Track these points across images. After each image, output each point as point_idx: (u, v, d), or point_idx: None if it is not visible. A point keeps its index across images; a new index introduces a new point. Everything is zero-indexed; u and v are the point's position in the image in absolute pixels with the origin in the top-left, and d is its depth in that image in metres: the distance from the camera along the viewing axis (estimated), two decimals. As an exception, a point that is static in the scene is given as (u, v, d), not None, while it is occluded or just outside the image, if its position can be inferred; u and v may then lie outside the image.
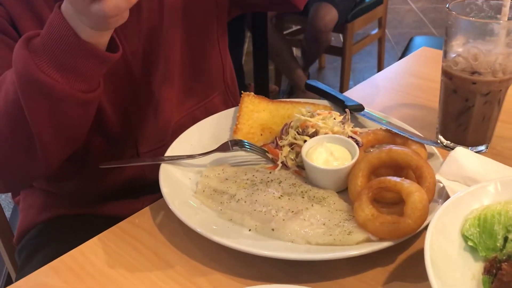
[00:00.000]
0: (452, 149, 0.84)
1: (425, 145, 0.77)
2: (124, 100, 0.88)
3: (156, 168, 0.76)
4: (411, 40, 2.50)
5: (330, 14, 2.75)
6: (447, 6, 0.79)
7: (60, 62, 0.67)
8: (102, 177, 0.90)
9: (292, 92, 3.17)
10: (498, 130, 0.87)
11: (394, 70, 1.20)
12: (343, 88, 2.90)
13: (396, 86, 1.08)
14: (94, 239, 0.70)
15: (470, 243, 0.56)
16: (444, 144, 0.86)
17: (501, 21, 0.75)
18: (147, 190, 0.92)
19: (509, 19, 0.76)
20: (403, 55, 2.30)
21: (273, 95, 3.17)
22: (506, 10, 0.74)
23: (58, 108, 0.70)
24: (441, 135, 0.87)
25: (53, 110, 0.70)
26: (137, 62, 0.87)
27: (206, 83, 0.99)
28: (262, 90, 2.36)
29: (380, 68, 3.29)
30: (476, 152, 0.84)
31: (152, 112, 0.90)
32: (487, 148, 0.86)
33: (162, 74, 0.90)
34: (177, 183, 0.75)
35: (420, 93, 1.04)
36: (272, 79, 3.26)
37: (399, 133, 0.79)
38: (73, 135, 0.77)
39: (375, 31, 3.25)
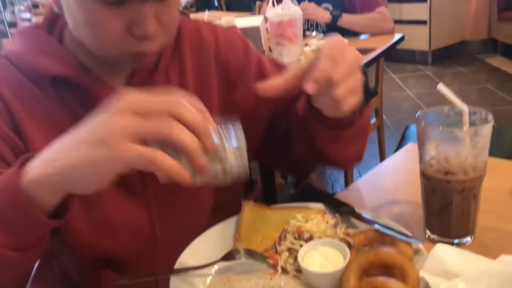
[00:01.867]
0: (439, 242, 0.92)
1: (411, 242, 0.85)
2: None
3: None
4: (406, 128, 2.63)
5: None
6: (416, 115, 0.89)
7: None
8: None
9: (298, 184, 3.26)
10: (481, 220, 0.94)
11: (385, 168, 1.29)
12: (347, 179, 2.97)
13: (387, 185, 1.17)
14: None
15: (451, 337, 0.62)
16: (431, 238, 0.93)
17: (464, 129, 0.85)
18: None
19: (470, 125, 0.86)
20: (399, 144, 2.41)
21: (280, 188, 3.26)
22: (466, 118, 0.85)
23: None
24: (428, 230, 0.94)
25: None
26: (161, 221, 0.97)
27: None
28: (269, 185, 2.44)
29: (381, 155, 3.39)
30: (462, 243, 0.91)
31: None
32: (472, 239, 0.93)
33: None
34: (186, 293, 0.82)
35: (410, 189, 1.13)
36: (278, 172, 3.36)
37: (387, 232, 0.87)
38: None
39: (373, 121, 3.39)
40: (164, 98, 0.63)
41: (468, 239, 0.92)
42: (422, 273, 0.76)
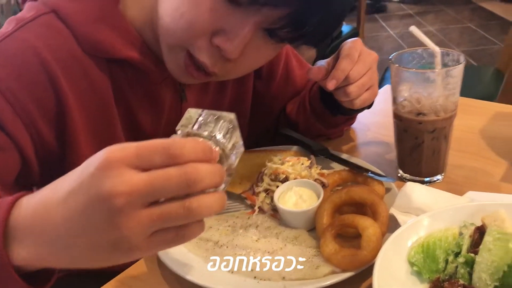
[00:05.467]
0: (410, 181, 0.95)
1: (382, 181, 0.88)
2: None
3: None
4: (386, 70, 2.63)
5: (308, 52, 2.89)
6: (390, 57, 0.90)
7: None
8: None
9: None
10: (452, 159, 0.98)
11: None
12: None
13: (360, 126, 1.19)
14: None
15: (415, 268, 0.66)
16: (403, 177, 0.97)
17: (436, 70, 0.86)
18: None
19: (443, 66, 0.88)
20: (379, 85, 2.42)
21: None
22: (438, 59, 0.86)
23: None
24: (400, 169, 0.98)
25: None
26: None
27: None
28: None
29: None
30: (432, 181, 0.95)
31: None
32: (442, 177, 0.96)
33: None
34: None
35: (383, 131, 1.15)
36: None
37: (359, 172, 0.90)
38: None
39: (354, 62, 3.39)
40: (167, 157, 0.49)
41: (438, 177, 0.96)
42: (392, 210, 0.80)
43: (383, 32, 5.37)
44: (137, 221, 0.48)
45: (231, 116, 0.64)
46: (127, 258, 0.51)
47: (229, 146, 0.64)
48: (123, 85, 0.84)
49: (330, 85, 0.86)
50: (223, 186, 0.56)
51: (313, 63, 3.07)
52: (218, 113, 0.63)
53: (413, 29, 0.85)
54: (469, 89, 2.33)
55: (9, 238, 0.53)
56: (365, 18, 3.41)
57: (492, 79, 2.41)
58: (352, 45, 0.89)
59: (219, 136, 0.63)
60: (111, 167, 0.47)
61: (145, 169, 0.48)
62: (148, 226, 0.48)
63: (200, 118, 0.62)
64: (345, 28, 3.44)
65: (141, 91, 0.86)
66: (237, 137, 0.65)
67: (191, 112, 0.60)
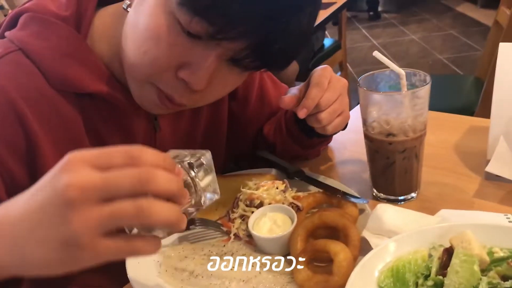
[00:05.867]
0: (385, 200, 0.96)
1: (356, 203, 0.89)
2: None
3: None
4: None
5: (291, 67, 2.90)
6: (358, 80, 0.92)
7: None
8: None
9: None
10: (425, 175, 0.99)
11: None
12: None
13: (337, 145, 1.20)
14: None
15: (385, 293, 0.67)
16: (378, 196, 0.98)
17: (402, 92, 0.87)
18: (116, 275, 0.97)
19: (410, 87, 0.89)
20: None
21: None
22: (403, 82, 0.87)
23: None
24: (374, 188, 0.99)
25: None
26: None
27: None
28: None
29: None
30: (407, 199, 0.96)
31: None
32: (416, 195, 0.97)
33: None
34: (142, 266, 0.85)
35: (359, 148, 1.16)
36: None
37: (333, 194, 0.91)
38: None
39: (338, 74, 3.42)
40: (127, 169, 0.51)
41: (413, 195, 0.97)
42: (364, 233, 0.80)
43: (366, 42, 5.42)
44: (87, 216, 0.49)
45: (207, 154, 0.66)
46: (75, 261, 0.51)
47: (202, 181, 0.66)
48: (94, 119, 0.85)
49: (301, 114, 0.88)
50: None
51: (296, 77, 3.10)
52: (194, 151, 0.65)
53: (376, 54, 0.87)
54: (450, 99, 2.37)
55: None
56: (347, 29, 3.44)
57: (472, 87, 2.44)
58: (322, 73, 0.91)
59: (190, 161, 0.64)
60: (71, 165, 0.50)
61: (104, 170, 0.50)
62: (98, 222, 0.49)
63: (175, 152, 0.64)
64: (327, 41, 3.47)
65: (113, 124, 0.87)
66: (213, 182, 0.67)
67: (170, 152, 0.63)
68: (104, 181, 0.49)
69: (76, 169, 0.49)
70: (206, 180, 0.67)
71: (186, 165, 0.64)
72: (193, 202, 0.65)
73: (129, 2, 0.78)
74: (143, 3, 0.73)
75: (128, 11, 0.78)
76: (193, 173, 0.65)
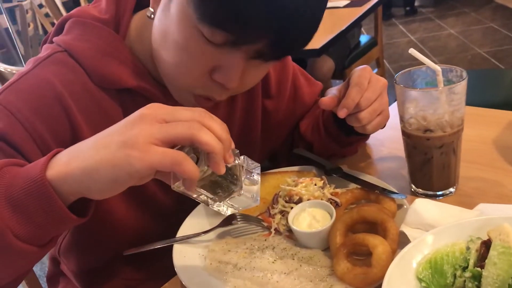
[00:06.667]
0: (423, 195, 0.97)
1: (394, 198, 0.90)
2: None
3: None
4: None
5: (326, 64, 2.92)
6: (395, 77, 0.93)
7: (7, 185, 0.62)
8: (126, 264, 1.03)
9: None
10: (464, 170, 0.99)
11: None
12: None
13: (375, 142, 1.22)
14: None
15: (423, 284, 0.69)
16: (416, 191, 0.99)
17: (439, 88, 0.89)
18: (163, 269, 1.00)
19: (447, 83, 0.90)
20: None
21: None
22: (440, 78, 0.88)
23: None
24: (412, 184, 1.00)
25: None
26: None
27: None
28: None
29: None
30: (445, 195, 0.97)
31: None
32: (455, 190, 0.98)
33: None
34: (188, 260, 0.89)
35: (397, 145, 1.17)
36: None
37: (371, 190, 0.92)
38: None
39: (375, 71, 3.41)
40: (191, 110, 0.64)
41: (451, 190, 0.98)
42: (403, 227, 0.82)
43: (403, 38, 5.36)
44: (149, 126, 0.61)
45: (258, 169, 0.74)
46: (127, 160, 0.59)
47: (244, 181, 0.71)
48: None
49: (341, 113, 0.90)
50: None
51: (333, 75, 3.09)
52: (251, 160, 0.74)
53: (412, 51, 0.88)
54: (489, 94, 2.33)
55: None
56: (384, 25, 3.42)
57: (514, 82, 2.39)
58: (361, 73, 0.93)
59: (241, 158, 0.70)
60: (148, 107, 0.64)
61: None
62: (156, 131, 0.60)
63: (236, 151, 0.70)
64: (363, 38, 3.45)
65: None
66: (255, 190, 0.73)
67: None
68: (173, 109, 0.63)
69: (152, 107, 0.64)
70: (249, 185, 0.72)
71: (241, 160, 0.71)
72: (231, 188, 0.70)
73: (152, 10, 0.84)
74: (168, 14, 0.79)
75: (152, 19, 0.84)
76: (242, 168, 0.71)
